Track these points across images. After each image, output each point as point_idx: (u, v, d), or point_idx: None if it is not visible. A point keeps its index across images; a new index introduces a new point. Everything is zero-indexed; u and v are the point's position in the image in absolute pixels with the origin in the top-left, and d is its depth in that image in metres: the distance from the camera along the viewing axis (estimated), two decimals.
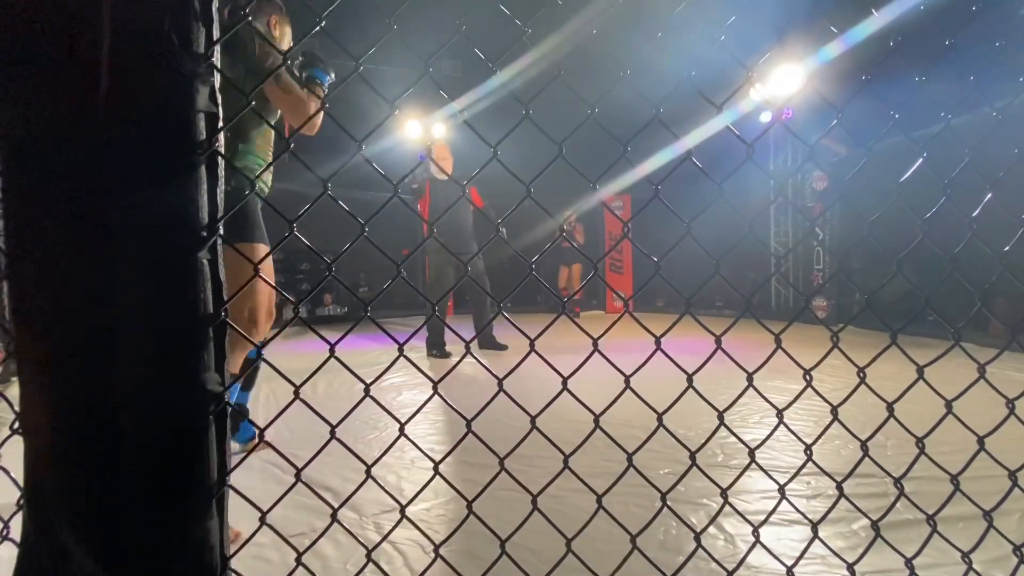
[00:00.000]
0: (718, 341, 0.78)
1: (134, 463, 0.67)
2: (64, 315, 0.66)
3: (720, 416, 0.79)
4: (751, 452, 0.81)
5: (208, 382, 0.70)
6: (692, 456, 0.79)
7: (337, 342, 0.75)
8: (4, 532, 0.81)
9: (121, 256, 0.66)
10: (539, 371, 0.88)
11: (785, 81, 4.61)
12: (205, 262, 0.70)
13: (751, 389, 0.80)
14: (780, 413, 0.80)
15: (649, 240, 7.39)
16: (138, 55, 0.67)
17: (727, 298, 7.25)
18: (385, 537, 0.87)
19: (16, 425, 0.82)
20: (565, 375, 0.79)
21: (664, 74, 1.64)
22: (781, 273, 6.25)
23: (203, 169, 0.70)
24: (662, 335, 0.77)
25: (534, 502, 0.79)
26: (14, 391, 0.93)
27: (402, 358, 0.78)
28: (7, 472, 0.79)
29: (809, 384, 0.81)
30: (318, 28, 0.75)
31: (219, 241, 0.72)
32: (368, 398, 0.76)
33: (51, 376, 0.67)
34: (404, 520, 0.78)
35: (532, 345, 0.79)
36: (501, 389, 0.79)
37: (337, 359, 0.74)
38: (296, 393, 0.75)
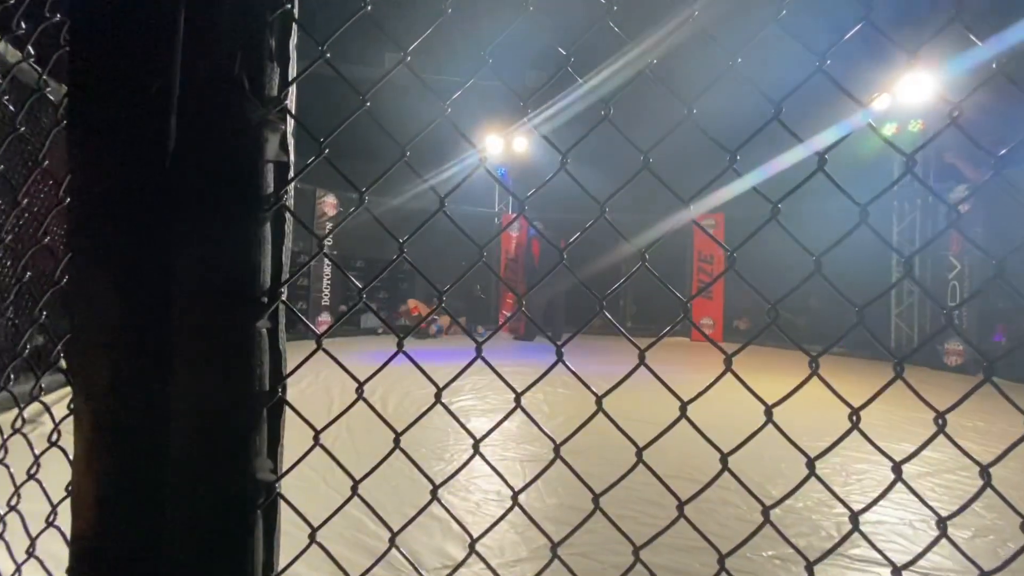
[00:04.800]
0: (855, 417, 0.58)
1: (176, 558, 0.59)
2: (118, 387, 0.59)
3: (810, 464, 0.59)
4: (853, 517, 0.59)
5: (258, 470, 0.61)
6: (765, 512, 0.61)
7: (392, 357, 0.68)
8: (31, 549, 0.79)
9: (175, 326, 0.58)
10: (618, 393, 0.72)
11: (921, 88, 4.02)
12: (264, 332, 0.61)
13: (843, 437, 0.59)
14: (904, 482, 0.59)
15: (739, 264, 6.81)
16: (204, 100, 0.59)
17: (831, 337, 6.47)
18: None
19: (55, 438, 0.80)
20: (684, 399, 0.64)
21: (757, 81, 1.41)
22: (955, 325, 5.46)
23: (268, 226, 0.62)
24: (774, 405, 0.59)
25: (636, 553, 0.64)
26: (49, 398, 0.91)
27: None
28: (39, 483, 0.77)
29: (989, 485, 0.58)
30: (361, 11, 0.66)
31: (281, 308, 0.63)
32: (439, 404, 0.69)
33: (98, 452, 0.60)
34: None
35: (642, 357, 0.65)
36: (600, 409, 0.65)
37: (408, 356, 0.70)
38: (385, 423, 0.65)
